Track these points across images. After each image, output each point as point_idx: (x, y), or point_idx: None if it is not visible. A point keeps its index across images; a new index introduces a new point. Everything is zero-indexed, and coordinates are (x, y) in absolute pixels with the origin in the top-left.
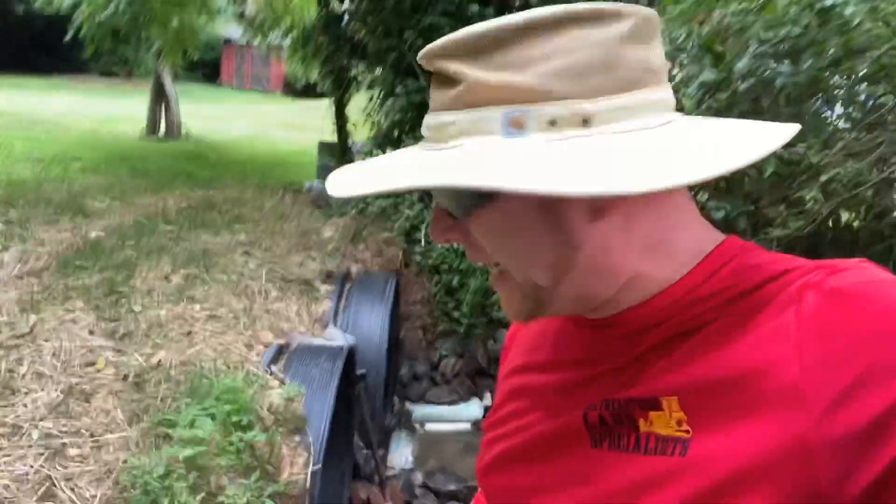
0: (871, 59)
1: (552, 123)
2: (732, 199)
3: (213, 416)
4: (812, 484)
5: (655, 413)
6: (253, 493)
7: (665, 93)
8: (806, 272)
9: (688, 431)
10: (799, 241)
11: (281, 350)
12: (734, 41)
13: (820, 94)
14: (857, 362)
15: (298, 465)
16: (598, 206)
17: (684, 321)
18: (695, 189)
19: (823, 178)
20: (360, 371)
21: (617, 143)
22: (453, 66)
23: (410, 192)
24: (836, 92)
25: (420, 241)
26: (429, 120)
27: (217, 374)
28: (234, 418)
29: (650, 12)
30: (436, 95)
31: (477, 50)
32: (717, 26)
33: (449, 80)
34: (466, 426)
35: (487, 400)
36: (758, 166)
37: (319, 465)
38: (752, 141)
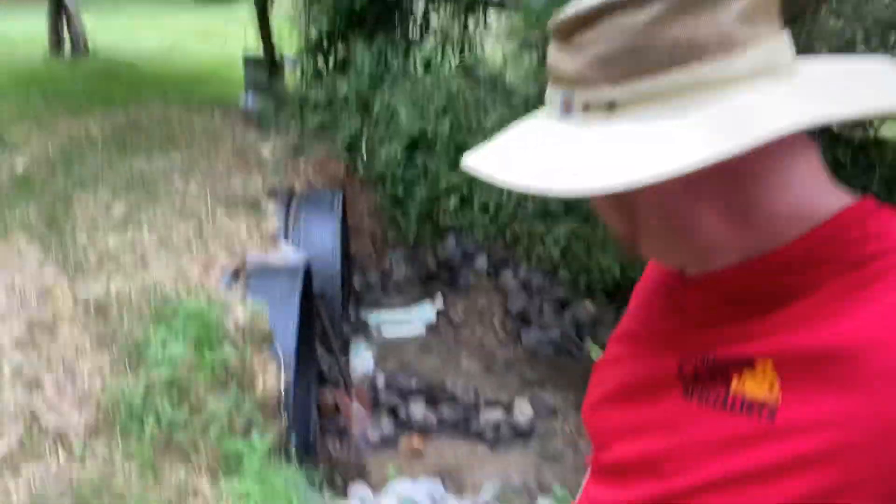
0: None
1: (586, 108)
2: None
3: (182, 337)
4: (893, 470)
5: (749, 372)
6: (232, 405)
7: (712, 67)
8: None
9: (777, 397)
10: None
11: (238, 270)
12: None
13: None
14: None
15: (271, 376)
16: None
17: (788, 285)
18: None
19: None
20: (316, 285)
21: (624, 131)
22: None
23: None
24: None
25: (362, 153)
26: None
27: (179, 298)
28: (204, 338)
29: None
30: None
31: (568, 29)
32: None
33: None
34: (421, 330)
35: (439, 303)
36: None
37: (292, 375)
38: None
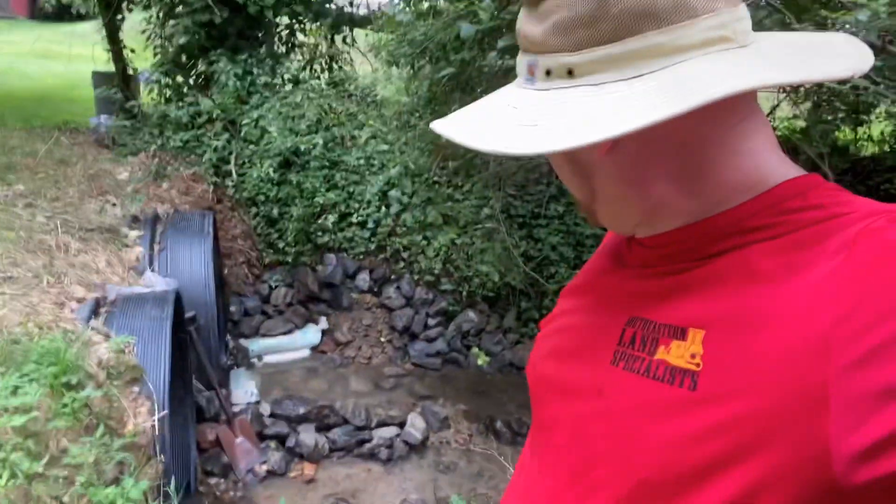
0: None
1: (548, 74)
2: None
3: (36, 381)
4: (822, 434)
5: (678, 342)
6: (100, 450)
7: (665, 36)
8: (868, 215)
9: (698, 365)
10: None
11: (98, 303)
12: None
13: None
14: (891, 324)
15: (142, 415)
16: (606, 143)
17: (727, 250)
18: None
19: None
20: (189, 314)
21: (579, 96)
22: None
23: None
24: None
25: (232, 173)
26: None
27: (31, 337)
28: (62, 379)
29: None
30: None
31: None
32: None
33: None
34: (305, 353)
35: (324, 324)
36: None
37: (166, 411)
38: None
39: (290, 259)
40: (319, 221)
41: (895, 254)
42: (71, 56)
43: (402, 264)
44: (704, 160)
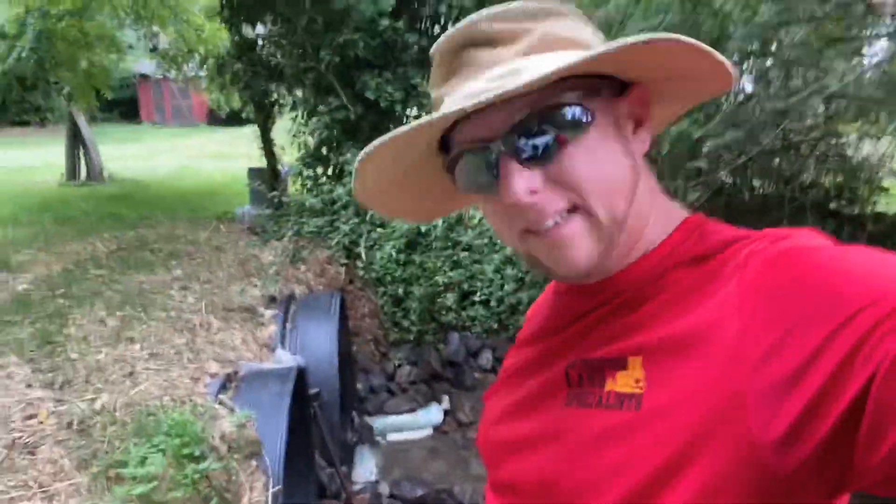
0: (745, 36)
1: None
2: None
3: (163, 452)
4: (746, 431)
5: (622, 372)
6: None
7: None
8: (754, 241)
9: (641, 388)
10: (712, 213)
11: (229, 378)
12: (618, 35)
13: None
14: (784, 320)
15: (258, 490)
16: (639, 116)
17: (649, 288)
18: None
19: (705, 148)
20: (313, 390)
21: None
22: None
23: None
24: None
25: (361, 255)
26: (488, 74)
27: (164, 410)
28: (186, 451)
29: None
30: (482, 58)
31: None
32: (603, 22)
33: (509, 38)
34: (428, 432)
35: (446, 403)
36: (658, 147)
37: (280, 487)
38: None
39: (413, 337)
40: (441, 300)
41: (776, 268)
42: (236, 155)
43: None
44: (655, 191)
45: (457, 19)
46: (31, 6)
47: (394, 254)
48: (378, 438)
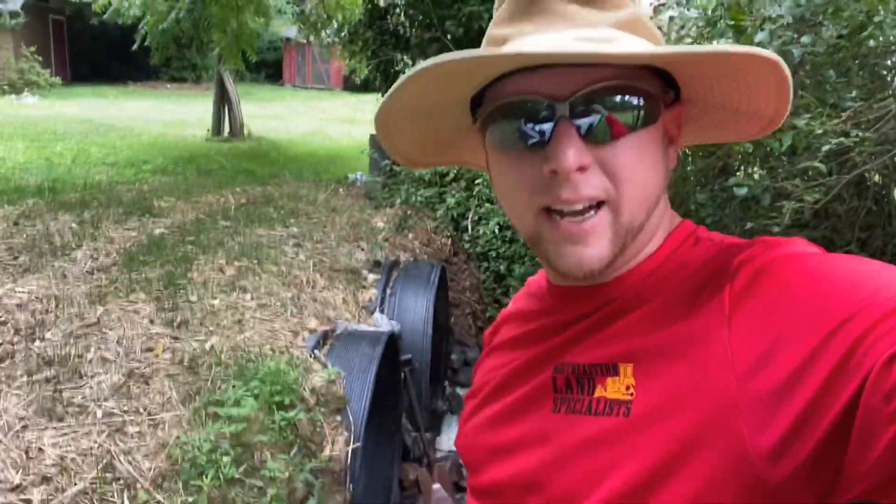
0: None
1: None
2: (754, 178)
3: (256, 396)
4: (738, 438)
5: (612, 379)
6: (294, 468)
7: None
8: (745, 249)
9: (632, 395)
10: (847, 217)
11: (326, 336)
12: (756, 14)
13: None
14: (775, 327)
15: (339, 444)
16: (673, 134)
17: (644, 291)
18: (711, 169)
19: (826, 147)
20: (405, 356)
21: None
22: None
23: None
24: (854, 62)
25: (467, 229)
26: (579, 33)
27: (263, 358)
28: (277, 398)
29: None
30: (575, 13)
31: None
32: (734, 1)
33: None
34: None
35: None
36: (779, 138)
37: (360, 444)
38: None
39: None
40: None
41: (765, 277)
42: (364, 121)
43: None
44: (664, 204)
45: None
46: None
47: (498, 231)
48: None
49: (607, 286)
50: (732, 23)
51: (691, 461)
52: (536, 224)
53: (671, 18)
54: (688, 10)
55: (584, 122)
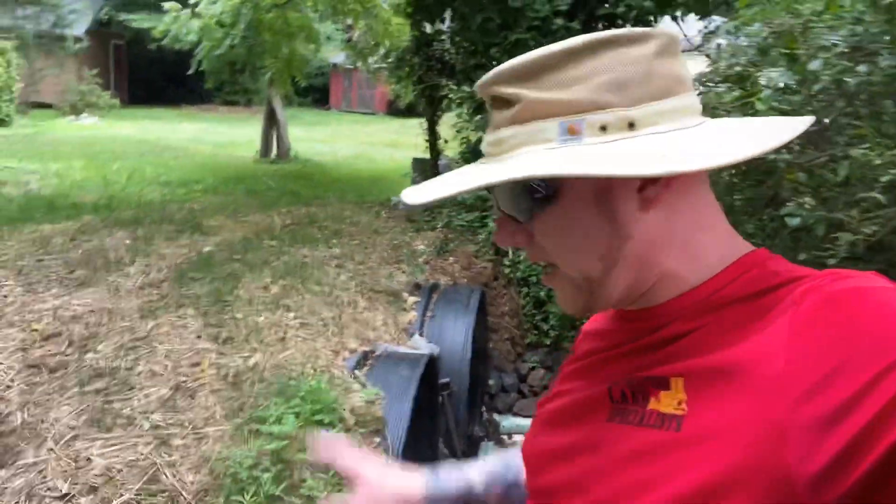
0: None
1: (603, 129)
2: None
3: (297, 414)
4: (784, 465)
5: (665, 392)
6: (332, 487)
7: (693, 98)
8: (814, 279)
9: (683, 410)
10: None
11: (366, 356)
12: (810, 42)
13: None
14: (833, 357)
15: None
16: (648, 198)
17: (699, 316)
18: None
19: (884, 179)
20: (443, 380)
21: (657, 141)
22: (510, 90)
23: (488, 201)
24: None
25: (507, 253)
26: (488, 138)
27: (304, 377)
28: (318, 417)
29: (673, 33)
30: (494, 117)
31: (529, 75)
32: (788, 28)
33: (506, 103)
34: None
35: None
36: (833, 169)
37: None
38: (770, 134)
39: (550, 341)
40: None
41: (831, 306)
42: (407, 145)
43: None
44: (700, 229)
45: (635, 20)
46: None
47: None
48: (504, 436)
49: (662, 308)
50: (787, 51)
51: (739, 483)
52: None
53: (718, 46)
54: (736, 38)
55: (503, 208)
